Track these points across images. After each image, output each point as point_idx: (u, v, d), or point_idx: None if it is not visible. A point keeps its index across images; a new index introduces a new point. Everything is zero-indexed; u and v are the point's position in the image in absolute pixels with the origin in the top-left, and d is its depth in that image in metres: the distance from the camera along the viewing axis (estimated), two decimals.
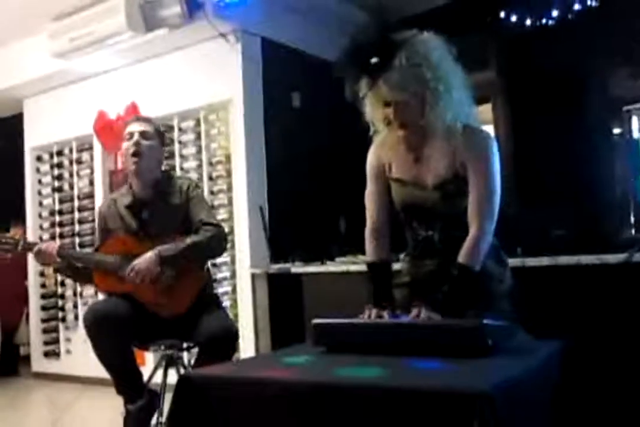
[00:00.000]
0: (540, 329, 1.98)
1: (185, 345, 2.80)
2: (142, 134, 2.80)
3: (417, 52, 1.98)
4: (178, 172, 4.60)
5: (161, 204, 2.83)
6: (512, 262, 2.79)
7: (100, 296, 3.18)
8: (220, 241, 2.79)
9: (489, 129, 4.60)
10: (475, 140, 2.07)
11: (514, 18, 4.39)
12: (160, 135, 2.92)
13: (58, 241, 5.26)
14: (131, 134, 2.80)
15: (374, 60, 1.96)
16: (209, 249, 2.77)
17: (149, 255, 2.67)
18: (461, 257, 1.99)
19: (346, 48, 2.03)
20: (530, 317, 2.08)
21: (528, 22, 4.34)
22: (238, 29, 4.36)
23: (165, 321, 2.72)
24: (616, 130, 4.61)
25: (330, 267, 3.82)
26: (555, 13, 4.24)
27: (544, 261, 2.96)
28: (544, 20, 4.28)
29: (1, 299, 5.62)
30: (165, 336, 2.76)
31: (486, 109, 4.61)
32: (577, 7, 4.19)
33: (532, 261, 2.97)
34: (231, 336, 2.66)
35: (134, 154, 2.78)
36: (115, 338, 2.60)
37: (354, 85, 2.04)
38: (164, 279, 2.71)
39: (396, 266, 2.26)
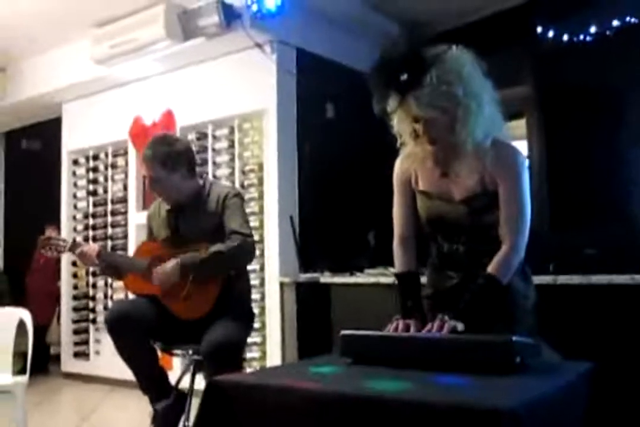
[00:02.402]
0: (570, 348, 1.97)
1: None
2: (150, 179, 2.89)
3: (449, 68, 1.97)
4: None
5: (197, 211, 2.88)
6: (544, 279, 2.79)
7: (131, 297, 3.26)
8: (246, 251, 2.81)
9: (523, 144, 4.58)
10: (505, 156, 2.06)
11: (551, 33, 4.37)
12: (168, 163, 2.84)
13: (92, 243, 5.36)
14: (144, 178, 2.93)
15: (403, 77, 1.96)
16: (233, 259, 2.79)
17: (171, 264, 2.74)
18: (490, 269, 1.99)
19: (376, 63, 2.04)
20: (560, 335, 2.07)
21: (565, 37, 4.32)
22: (274, 40, 4.41)
23: (185, 324, 2.76)
24: None
25: (360, 278, 3.82)
26: (593, 29, 4.21)
27: (576, 279, 2.93)
28: (581, 36, 4.25)
29: (34, 299, 5.73)
30: (185, 339, 2.80)
31: (520, 125, 4.59)
32: (615, 23, 4.15)
33: (563, 279, 2.95)
34: (228, 349, 2.62)
35: (159, 198, 2.98)
36: (135, 336, 2.67)
37: (382, 101, 2.04)
38: (184, 286, 2.76)
39: (423, 279, 2.25)
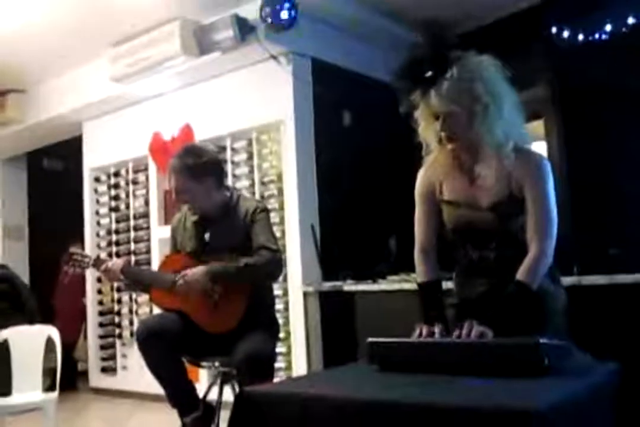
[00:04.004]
0: (597, 349, 1.95)
1: None
2: (176, 191, 2.88)
3: (470, 67, 2.03)
4: None
5: (224, 224, 2.89)
6: (569, 280, 2.76)
7: (155, 312, 3.28)
8: (275, 267, 2.82)
9: (541, 145, 4.55)
10: (530, 162, 2.08)
11: (566, 33, 4.35)
12: (196, 171, 2.84)
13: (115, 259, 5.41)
14: (171, 190, 2.94)
15: (428, 73, 2.01)
16: (262, 273, 2.80)
17: (201, 268, 2.74)
18: (520, 275, 1.98)
19: (403, 61, 2.08)
20: (587, 336, 2.05)
21: (581, 37, 4.29)
22: (289, 51, 4.43)
23: (213, 337, 2.77)
24: None
25: (383, 285, 3.81)
26: (608, 27, 4.19)
27: (601, 279, 2.91)
28: (597, 35, 4.23)
29: (61, 315, 5.80)
30: (214, 353, 2.80)
31: (538, 126, 4.57)
32: (631, 21, 4.12)
33: (588, 279, 2.92)
34: (262, 360, 2.63)
35: (185, 207, 3.00)
36: (164, 351, 2.68)
37: (407, 98, 2.07)
38: (212, 294, 2.77)
39: (445, 285, 2.24)
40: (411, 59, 2.07)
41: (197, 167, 2.84)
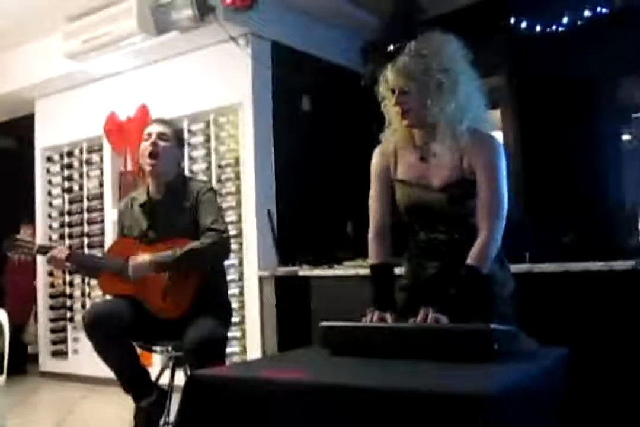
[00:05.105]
0: (547, 335, 1.99)
1: None
2: (160, 135, 2.84)
3: (429, 44, 2.05)
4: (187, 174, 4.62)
5: (172, 206, 2.85)
6: (520, 267, 2.81)
7: (108, 297, 3.22)
8: (221, 248, 2.79)
9: (497, 134, 4.61)
10: (483, 144, 2.08)
11: (524, 24, 4.40)
12: (179, 137, 2.95)
13: (67, 242, 5.31)
14: (149, 135, 2.85)
15: (389, 48, 2.03)
16: (208, 256, 2.76)
17: (145, 258, 2.71)
18: (470, 259, 1.99)
19: (371, 40, 2.11)
20: (537, 322, 2.09)
21: (538, 28, 4.34)
22: (248, 33, 4.38)
23: (164, 322, 2.73)
24: (626, 137, 4.61)
25: (338, 270, 3.83)
26: (565, 20, 4.25)
27: (552, 267, 2.96)
28: (554, 27, 4.28)
29: (10, 297, 5.67)
30: (165, 337, 2.77)
31: (494, 115, 4.62)
32: (587, 13, 4.19)
33: (539, 267, 2.98)
34: (213, 344, 2.60)
35: (151, 155, 2.82)
36: (111, 336, 2.63)
37: (372, 74, 2.10)
38: (162, 285, 2.74)
39: (398, 271, 2.25)
40: (380, 37, 2.10)
41: (179, 134, 2.96)
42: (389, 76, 2.07)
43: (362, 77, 2.16)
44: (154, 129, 2.87)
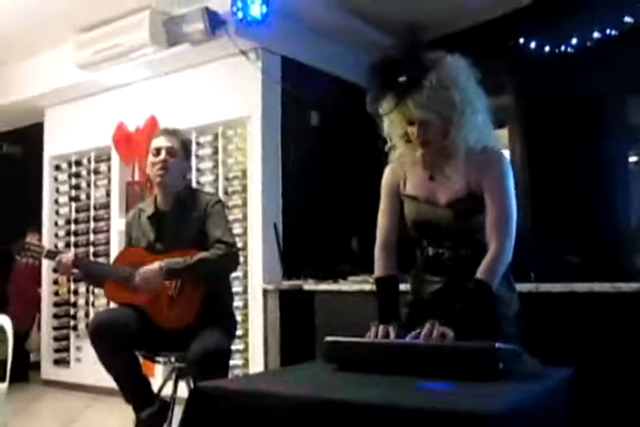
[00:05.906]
0: (551, 355, 1.98)
1: None
2: (169, 151, 2.85)
3: (447, 74, 2.02)
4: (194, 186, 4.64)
5: (179, 218, 2.86)
6: (525, 287, 2.80)
7: (113, 306, 3.22)
8: (231, 261, 2.80)
9: (505, 153, 4.62)
10: (492, 161, 2.10)
11: (533, 44, 4.42)
12: (186, 148, 2.97)
13: (73, 250, 5.32)
14: (158, 150, 2.85)
15: (402, 78, 2.00)
16: (217, 267, 2.77)
17: (155, 265, 2.71)
18: (479, 273, 1.99)
19: (375, 64, 2.08)
20: (542, 342, 2.08)
21: (547, 48, 4.37)
22: (259, 47, 4.41)
23: (169, 333, 2.74)
24: (632, 159, 4.61)
25: (343, 285, 3.82)
26: (574, 41, 4.27)
27: (557, 287, 2.96)
28: (562, 48, 4.31)
29: (15, 305, 5.67)
30: (169, 348, 2.78)
31: (502, 134, 4.63)
32: (596, 35, 4.21)
33: (544, 287, 2.97)
34: (217, 357, 2.61)
35: (160, 172, 2.84)
36: (116, 345, 2.64)
37: (377, 102, 2.07)
38: (167, 290, 2.74)
39: (402, 287, 2.25)
40: (385, 61, 2.06)
41: (186, 145, 2.98)
42: (410, 108, 2.01)
43: (367, 103, 2.12)
44: (162, 143, 2.87)
